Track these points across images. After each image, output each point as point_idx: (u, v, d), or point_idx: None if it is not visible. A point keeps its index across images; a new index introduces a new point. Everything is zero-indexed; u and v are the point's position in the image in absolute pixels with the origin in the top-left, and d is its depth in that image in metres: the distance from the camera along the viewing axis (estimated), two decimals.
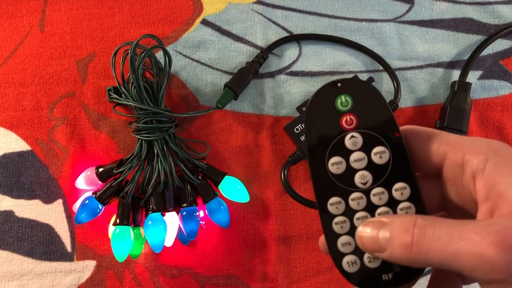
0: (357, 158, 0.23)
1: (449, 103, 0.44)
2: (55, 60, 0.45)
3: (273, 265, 0.44)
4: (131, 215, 0.41)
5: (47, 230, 0.43)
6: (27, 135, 0.44)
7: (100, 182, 0.42)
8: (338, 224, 0.23)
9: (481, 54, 0.47)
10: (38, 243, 0.43)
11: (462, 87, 0.45)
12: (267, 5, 0.47)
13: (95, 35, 0.46)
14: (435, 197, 0.24)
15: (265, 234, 0.44)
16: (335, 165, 0.23)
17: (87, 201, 0.40)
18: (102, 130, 0.44)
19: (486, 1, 0.48)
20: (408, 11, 0.48)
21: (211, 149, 0.44)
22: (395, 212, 0.23)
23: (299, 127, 0.43)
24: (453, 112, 0.44)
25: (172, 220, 0.41)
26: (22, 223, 0.43)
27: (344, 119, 0.23)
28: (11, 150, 0.44)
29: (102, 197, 0.40)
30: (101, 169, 0.41)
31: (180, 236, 0.42)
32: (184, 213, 0.41)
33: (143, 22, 0.46)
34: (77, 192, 0.43)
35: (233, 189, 0.42)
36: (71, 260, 0.43)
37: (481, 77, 0.47)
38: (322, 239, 0.24)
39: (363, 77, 0.45)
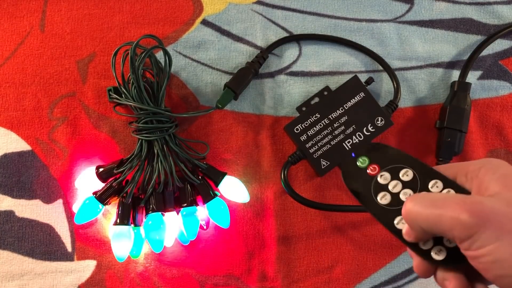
0: (394, 185, 0.30)
1: (448, 103, 0.45)
2: (55, 60, 0.45)
3: (273, 265, 0.44)
4: (131, 215, 0.41)
5: (48, 230, 0.43)
6: (28, 135, 0.44)
7: (100, 182, 0.42)
8: None
9: (481, 54, 0.47)
10: (39, 243, 0.43)
11: (461, 87, 0.45)
12: (267, 5, 0.47)
13: (96, 35, 0.46)
14: None
15: (265, 234, 0.44)
16: (382, 198, 0.30)
17: (87, 201, 0.40)
18: (103, 130, 0.44)
19: (486, 1, 0.48)
20: (408, 11, 0.48)
21: (211, 149, 0.44)
22: None
23: (299, 127, 0.43)
24: (452, 112, 0.44)
25: (172, 220, 0.41)
26: (22, 223, 0.43)
27: (369, 170, 0.31)
28: (12, 150, 0.44)
29: (102, 197, 0.40)
30: (101, 169, 0.41)
31: (180, 236, 0.42)
32: (184, 213, 0.41)
33: (143, 22, 0.46)
34: (77, 192, 0.43)
35: (233, 189, 0.43)
36: (72, 260, 0.43)
37: (481, 77, 0.47)
38: (416, 261, 0.29)
39: (363, 77, 0.45)
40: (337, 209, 0.44)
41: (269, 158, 0.45)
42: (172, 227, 0.41)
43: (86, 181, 0.42)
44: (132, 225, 0.41)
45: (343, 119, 0.43)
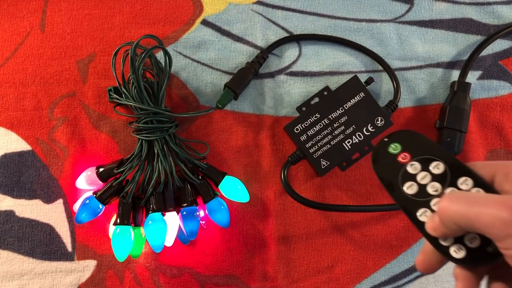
0: (422, 176, 0.30)
1: (448, 103, 0.45)
2: (55, 60, 0.45)
3: (273, 265, 0.44)
4: (132, 215, 0.41)
5: (48, 230, 0.43)
6: (28, 135, 0.44)
7: (100, 182, 0.42)
8: None
9: (481, 54, 0.47)
10: (39, 243, 0.43)
11: (461, 87, 0.45)
12: (267, 5, 0.47)
13: (96, 35, 0.46)
14: None
15: (265, 233, 0.44)
16: (409, 188, 0.30)
17: (88, 201, 0.40)
18: (103, 130, 0.44)
19: (486, 2, 0.48)
20: (407, 11, 0.48)
21: (211, 149, 0.45)
22: None
23: (299, 127, 0.43)
24: (452, 112, 0.44)
25: (172, 220, 0.41)
26: (22, 223, 0.43)
27: (400, 157, 0.31)
28: (12, 150, 0.44)
29: (102, 197, 0.41)
30: (101, 169, 0.42)
31: (180, 235, 0.42)
32: (184, 213, 0.41)
33: (144, 23, 0.46)
34: (77, 192, 0.43)
35: (233, 189, 0.43)
36: (72, 259, 0.43)
37: (481, 77, 0.47)
38: (422, 256, 0.29)
39: (363, 77, 0.45)
40: (337, 209, 0.44)
41: (269, 158, 0.45)
42: (172, 227, 0.41)
43: (86, 181, 0.42)
44: (132, 225, 0.41)
45: (343, 119, 0.43)
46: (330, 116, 0.43)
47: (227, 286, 0.43)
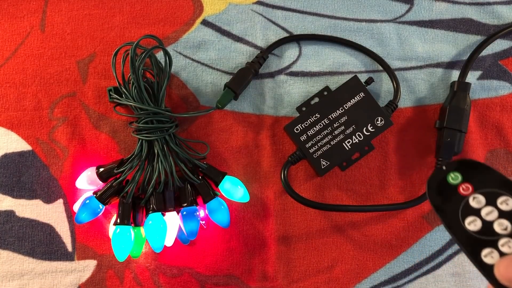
0: (488, 211, 0.27)
1: (448, 103, 0.45)
2: (55, 60, 0.45)
3: (273, 265, 0.44)
4: (132, 215, 0.41)
5: (48, 230, 0.43)
6: (28, 135, 0.44)
7: (100, 182, 0.42)
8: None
9: (481, 54, 0.47)
10: (39, 242, 0.43)
11: (461, 87, 0.45)
12: (267, 5, 0.47)
13: (96, 35, 0.46)
14: None
15: (265, 233, 0.44)
16: (471, 223, 0.27)
17: (88, 201, 0.40)
18: (103, 130, 0.44)
19: (486, 2, 0.48)
20: (407, 11, 0.48)
21: (211, 149, 0.45)
22: None
23: (299, 127, 0.43)
24: (452, 112, 0.44)
25: (173, 220, 0.41)
26: (22, 223, 0.43)
27: (460, 188, 0.28)
28: (12, 150, 0.44)
29: (102, 197, 0.41)
30: (101, 169, 0.42)
31: (180, 235, 0.42)
32: (185, 212, 0.41)
33: (144, 23, 0.46)
34: (77, 192, 0.43)
35: (233, 189, 0.43)
36: (72, 259, 0.43)
37: (481, 77, 0.47)
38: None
39: (363, 77, 0.45)
40: (337, 209, 0.44)
41: (269, 158, 0.45)
42: (172, 227, 0.41)
43: (87, 181, 0.42)
44: (133, 225, 0.41)
45: (343, 119, 0.43)
46: (330, 116, 0.43)
47: (227, 286, 0.43)
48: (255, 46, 0.46)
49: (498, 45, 0.48)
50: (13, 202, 0.43)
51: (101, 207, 0.41)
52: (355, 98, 0.44)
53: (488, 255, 0.26)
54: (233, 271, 0.44)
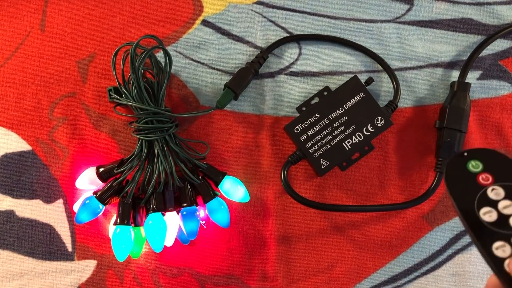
0: (505, 205, 0.26)
1: (448, 103, 0.45)
2: (55, 60, 0.45)
3: (273, 265, 0.44)
4: (132, 215, 0.41)
5: (48, 230, 0.43)
6: (28, 135, 0.44)
7: (100, 182, 0.42)
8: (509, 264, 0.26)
9: (481, 55, 0.47)
10: (39, 242, 0.43)
11: (461, 87, 0.45)
12: (267, 5, 0.47)
13: (96, 35, 0.46)
14: None
15: (265, 233, 0.44)
16: (486, 214, 0.26)
17: (88, 201, 0.40)
18: (103, 130, 0.44)
19: (486, 2, 0.48)
20: (407, 11, 0.48)
21: (211, 149, 0.45)
22: None
23: (299, 127, 0.43)
24: (452, 112, 0.44)
25: (173, 220, 0.41)
26: (22, 223, 0.43)
27: (480, 177, 0.27)
28: (12, 150, 0.44)
29: (102, 197, 0.41)
30: (101, 169, 0.42)
31: (180, 235, 0.42)
32: (184, 212, 0.41)
33: (144, 23, 0.46)
34: (77, 192, 0.43)
35: (233, 189, 0.43)
36: (72, 259, 0.43)
37: (481, 77, 0.47)
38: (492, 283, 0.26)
39: (363, 77, 0.45)
40: (337, 209, 0.44)
41: (269, 158, 0.45)
42: (172, 227, 0.41)
43: (87, 181, 0.42)
44: (133, 225, 0.41)
45: (343, 119, 0.43)
46: (330, 116, 0.43)
47: (227, 286, 0.43)
48: (255, 46, 0.46)
49: (498, 45, 0.48)
50: (13, 202, 0.43)
51: (101, 207, 0.41)
52: (355, 98, 0.44)
53: (500, 248, 0.25)
54: (233, 271, 0.44)
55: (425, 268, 0.45)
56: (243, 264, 0.44)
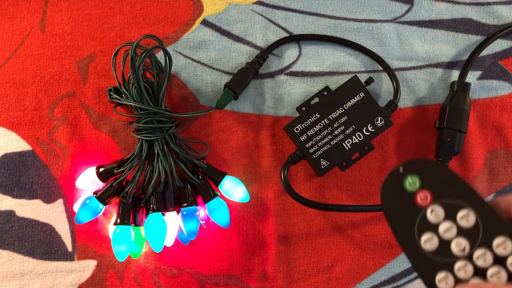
0: (445, 228, 0.23)
1: (448, 103, 0.45)
2: (55, 60, 0.45)
3: (273, 265, 0.44)
4: (132, 215, 0.41)
5: (48, 230, 0.43)
6: (28, 135, 0.44)
7: (100, 182, 0.42)
8: None
9: (481, 55, 0.47)
10: (39, 242, 0.43)
11: (461, 87, 0.45)
12: (267, 5, 0.47)
13: (96, 35, 0.46)
14: None
15: (265, 233, 0.44)
16: (427, 242, 0.23)
17: (88, 201, 0.41)
18: (103, 130, 0.44)
19: (486, 2, 0.48)
20: (407, 11, 0.48)
21: (211, 149, 0.45)
22: (506, 268, 0.22)
23: (299, 127, 0.43)
24: (452, 112, 0.44)
25: (173, 220, 0.41)
26: (23, 223, 0.43)
27: (418, 197, 0.24)
28: (12, 150, 0.44)
29: (102, 197, 0.41)
30: (101, 169, 0.42)
31: (180, 235, 0.42)
32: (185, 212, 0.41)
33: (144, 23, 0.46)
34: (77, 192, 0.43)
35: (233, 189, 0.43)
36: (72, 259, 0.43)
37: (481, 77, 0.47)
38: None
39: (363, 77, 0.45)
40: (337, 209, 0.44)
41: (269, 158, 0.45)
42: (172, 227, 0.41)
43: (87, 181, 0.42)
44: (133, 225, 0.41)
45: (343, 119, 0.43)
46: (330, 116, 0.43)
47: (227, 286, 0.43)
48: (255, 46, 0.46)
49: (498, 45, 0.48)
50: (13, 202, 0.43)
51: (101, 207, 0.41)
52: (355, 98, 0.44)
53: (443, 280, 0.22)
54: (233, 271, 0.44)
55: None
56: (243, 264, 0.44)
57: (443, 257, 0.23)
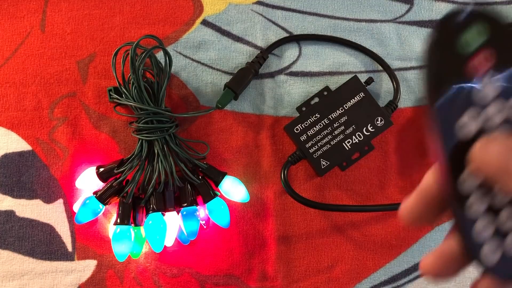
0: (497, 109, 0.17)
1: None
2: (55, 60, 0.45)
3: (273, 265, 0.44)
4: (132, 215, 0.41)
5: (48, 230, 0.43)
6: (28, 135, 0.44)
7: (100, 182, 0.42)
8: (475, 201, 0.18)
9: None
10: (39, 242, 0.43)
11: None
12: (267, 5, 0.47)
13: (96, 35, 0.46)
14: None
15: (265, 233, 0.44)
16: (468, 123, 0.17)
17: (88, 201, 0.41)
18: (103, 130, 0.44)
19: (485, 2, 0.48)
20: (407, 11, 0.48)
21: (211, 149, 0.45)
22: None
23: (299, 127, 0.43)
24: None
25: (173, 220, 0.41)
26: (23, 223, 0.43)
27: (476, 59, 0.17)
28: (12, 150, 0.44)
29: (102, 197, 0.41)
30: (101, 169, 0.42)
31: (180, 235, 0.42)
32: (185, 212, 0.41)
33: (144, 23, 0.46)
34: (77, 192, 0.43)
35: (233, 189, 0.43)
36: (72, 259, 0.43)
37: None
38: (411, 205, 0.21)
39: (363, 77, 0.45)
40: (337, 209, 0.44)
41: (269, 158, 0.45)
42: (172, 227, 0.41)
43: (87, 181, 0.42)
44: (133, 225, 0.41)
45: (343, 119, 0.43)
46: (330, 116, 0.43)
47: (227, 286, 0.43)
48: (255, 46, 0.46)
49: None
50: (13, 202, 0.43)
51: (101, 207, 0.41)
52: (355, 98, 0.44)
53: (469, 179, 0.18)
54: (233, 271, 0.44)
55: None
56: (243, 264, 0.44)
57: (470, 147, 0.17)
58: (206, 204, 0.42)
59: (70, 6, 0.46)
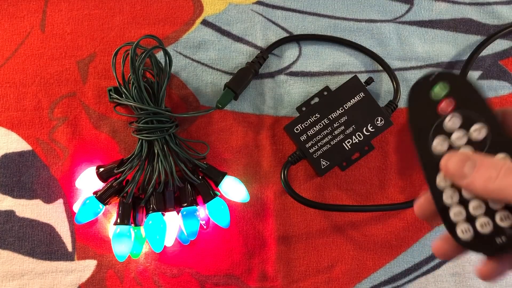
0: (458, 136, 0.26)
1: None
2: (56, 60, 0.45)
3: (273, 265, 0.44)
4: (132, 215, 0.41)
5: (48, 230, 0.43)
6: (28, 135, 0.44)
7: (100, 182, 0.42)
8: (448, 196, 0.26)
9: (481, 55, 0.47)
10: (39, 242, 0.43)
11: None
12: (267, 5, 0.47)
13: (96, 35, 0.46)
14: None
15: (265, 233, 0.44)
16: (439, 144, 0.26)
17: (88, 201, 0.41)
18: (103, 130, 0.44)
19: (486, 2, 0.48)
20: (407, 11, 0.48)
21: (211, 149, 0.45)
22: None
23: (299, 127, 0.43)
24: None
25: (173, 220, 0.41)
26: (23, 223, 0.43)
27: (443, 103, 0.26)
28: (12, 150, 0.44)
29: (102, 197, 0.41)
30: (101, 169, 0.42)
31: (180, 235, 0.42)
32: (185, 212, 0.41)
33: (144, 23, 0.46)
34: (77, 192, 0.43)
35: (233, 189, 0.43)
36: (72, 259, 0.43)
37: (481, 77, 0.47)
38: (420, 205, 0.28)
39: (363, 77, 0.45)
40: (337, 209, 0.44)
41: (269, 158, 0.45)
42: (172, 227, 0.41)
43: (87, 181, 0.42)
44: (133, 225, 0.41)
45: (343, 119, 0.43)
46: (330, 116, 0.43)
47: (227, 286, 0.43)
48: (255, 46, 0.46)
49: (498, 45, 0.48)
50: (13, 202, 0.43)
51: (101, 207, 0.41)
52: (355, 98, 0.44)
53: (443, 180, 0.26)
54: (233, 271, 0.44)
55: (425, 268, 0.45)
56: (243, 264, 0.44)
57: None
58: (206, 204, 0.42)
59: (70, 6, 0.46)
